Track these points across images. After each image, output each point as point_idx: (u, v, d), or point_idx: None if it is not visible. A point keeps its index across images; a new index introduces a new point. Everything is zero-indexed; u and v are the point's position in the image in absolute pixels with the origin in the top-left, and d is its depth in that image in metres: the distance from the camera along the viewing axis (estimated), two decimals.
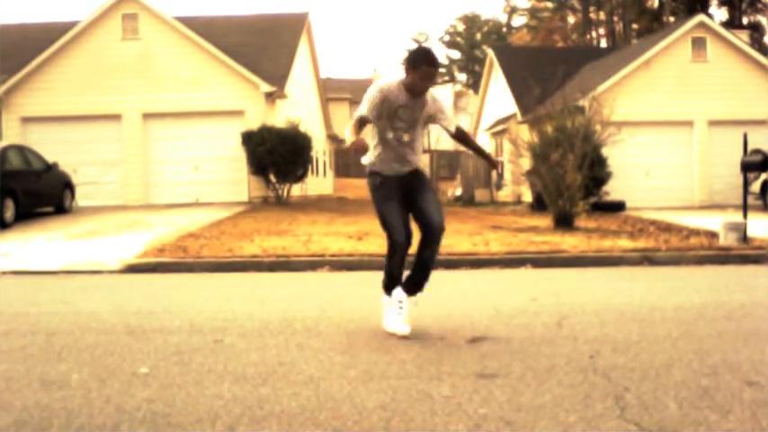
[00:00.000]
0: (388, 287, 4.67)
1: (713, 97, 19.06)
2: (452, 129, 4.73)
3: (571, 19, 54.13)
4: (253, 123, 17.86)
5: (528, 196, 19.77)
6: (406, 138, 4.58)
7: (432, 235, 4.51)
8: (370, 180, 4.69)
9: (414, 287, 4.62)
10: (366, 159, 4.67)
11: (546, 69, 19.12)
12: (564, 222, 11.99)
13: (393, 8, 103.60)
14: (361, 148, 4.28)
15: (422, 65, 4.39)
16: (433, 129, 49.91)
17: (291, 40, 22.25)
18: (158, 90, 18.38)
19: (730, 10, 41.49)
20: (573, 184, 11.97)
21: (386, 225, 4.57)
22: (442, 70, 60.79)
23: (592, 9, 48.88)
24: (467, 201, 24.60)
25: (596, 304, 5.66)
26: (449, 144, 48.97)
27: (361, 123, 4.45)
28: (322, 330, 4.73)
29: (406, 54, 4.59)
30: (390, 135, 4.56)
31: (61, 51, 18.56)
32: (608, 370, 3.67)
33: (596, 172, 14.72)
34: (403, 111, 4.51)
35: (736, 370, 3.65)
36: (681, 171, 19.10)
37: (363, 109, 4.50)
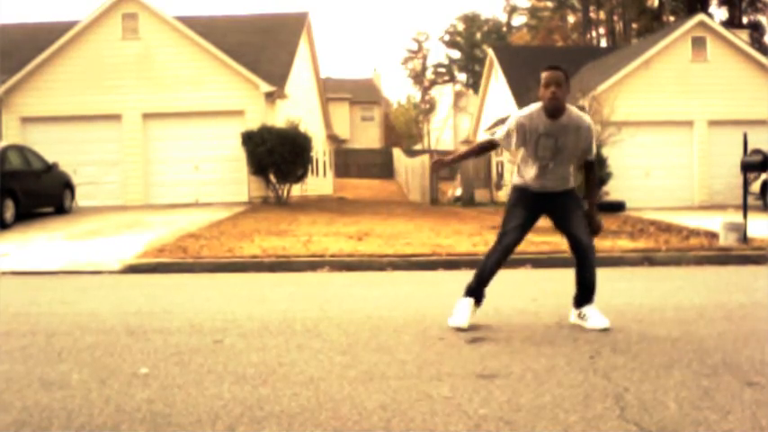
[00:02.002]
0: (472, 290, 4.74)
1: (713, 97, 19.06)
2: (587, 159, 4.68)
3: (571, 18, 54.14)
4: (253, 123, 17.86)
5: None
6: (550, 166, 4.59)
7: (581, 256, 4.63)
8: (511, 192, 4.76)
9: (583, 302, 4.74)
10: (515, 179, 4.78)
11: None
12: None
13: (393, 8, 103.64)
14: (438, 168, 4.60)
15: (543, 73, 4.41)
16: (433, 130, 49.39)
17: (291, 40, 22.25)
18: (158, 90, 18.38)
19: (730, 9, 41.46)
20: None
21: (502, 224, 4.68)
22: (441, 70, 60.82)
23: (592, 8, 48.89)
24: (467, 201, 24.58)
25: (596, 304, 5.65)
26: (449, 144, 49.04)
27: (488, 145, 4.67)
28: (322, 331, 4.73)
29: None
30: (535, 161, 4.59)
31: (61, 51, 18.56)
32: (608, 370, 3.67)
33: (596, 172, 14.70)
34: (544, 139, 4.49)
35: (736, 370, 3.65)
36: (681, 171, 19.09)
37: (499, 134, 4.62)
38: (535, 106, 4.54)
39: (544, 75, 4.39)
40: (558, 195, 4.68)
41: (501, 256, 4.68)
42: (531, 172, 4.63)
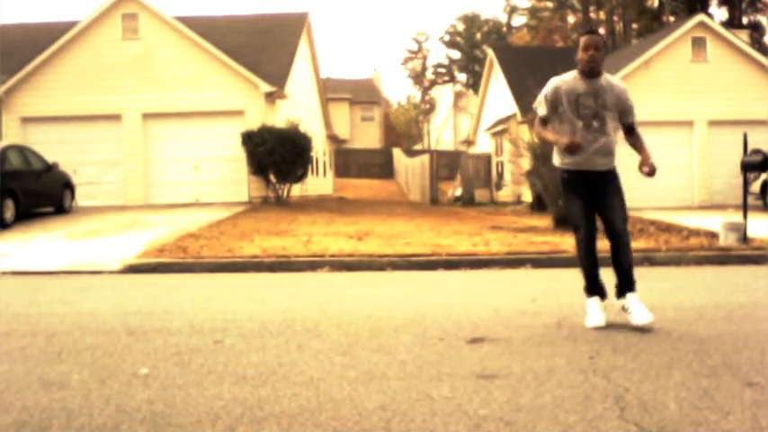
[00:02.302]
0: (589, 289, 4.82)
1: (713, 97, 19.06)
2: (628, 121, 4.74)
3: (571, 19, 54.09)
4: (253, 123, 17.86)
5: (528, 196, 19.77)
6: (595, 123, 4.63)
7: (614, 240, 4.68)
8: (561, 179, 4.84)
9: (623, 290, 4.75)
10: (556, 159, 4.81)
11: (546, 69, 19.02)
12: (564, 222, 11.97)
13: (393, 8, 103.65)
14: (577, 147, 4.47)
15: (580, 37, 4.55)
16: (433, 130, 49.34)
17: (291, 40, 22.25)
18: (158, 90, 18.38)
19: (730, 10, 41.44)
20: None
21: (569, 215, 4.77)
22: (441, 70, 60.80)
23: (592, 9, 48.86)
24: (467, 201, 24.60)
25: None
26: (449, 144, 49.04)
27: (545, 124, 4.66)
28: (322, 331, 4.73)
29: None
30: (579, 124, 4.62)
31: (61, 51, 18.55)
32: (608, 370, 3.67)
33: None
34: (584, 98, 4.58)
35: (736, 370, 3.65)
36: (681, 171, 19.08)
37: (542, 110, 4.66)
38: (570, 73, 4.65)
39: (583, 39, 4.55)
40: (603, 175, 4.73)
41: (586, 248, 4.73)
42: (574, 133, 4.61)
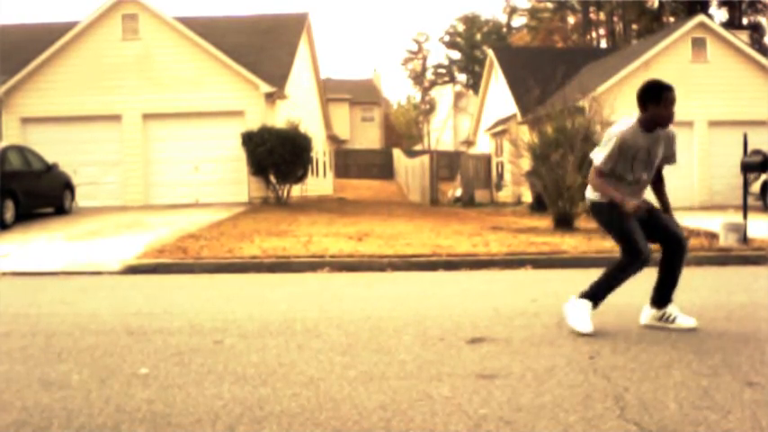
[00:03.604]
0: (597, 301, 4.70)
1: (713, 98, 19.06)
2: (668, 164, 4.73)
3: (571, 19, 54.12)
4: (253, 124, 17.86)
5: (528, 197, 19.77)
6: (644, 177, 4.65)
7: (680, 250, 4.65)
8: (605, 209, 4.63)
9: (667, 300, 4.73)
10: (596, 196, 4.70)
11: (546, 70, 19.13)
12: (564, 223, 12.00)
13: (393, 8, 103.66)
14: (639, 209, 4.45)
15: (661, 92, 4.44)
16: (433, 130, 49.24)
17: (291, 41, 22.26)
18: (158, 90, 18.38)
19: (730, 10, 41.47)
20: (573, 184, 11.97)
21: (629, 239, 4.56)
22: (441, 71, 60.83)
23: (592, 9, 48.89)
24: (467, 201, 24.60)
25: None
26: (449, 145, 49.04)
27: (602, 175, 4.56)
28: (322, 331, 4.73)
29: (639, 92, 4.62)
30: (630, 177, 4.60)
31: (61, 51, 18.56)
32: (608, 370, 3.67)
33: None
34: (642, 152, 4.55)
35: (736, 370, 3.65)
36: (681, 171, 18.97)
37: (605, 164, 4.53)
38: (630, 123, 4.54)
39: (667, 95, 4.45)
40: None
41: (637, 270, 4.62)
42: (623, 188, 4.59)
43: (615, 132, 4.53)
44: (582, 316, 4.62)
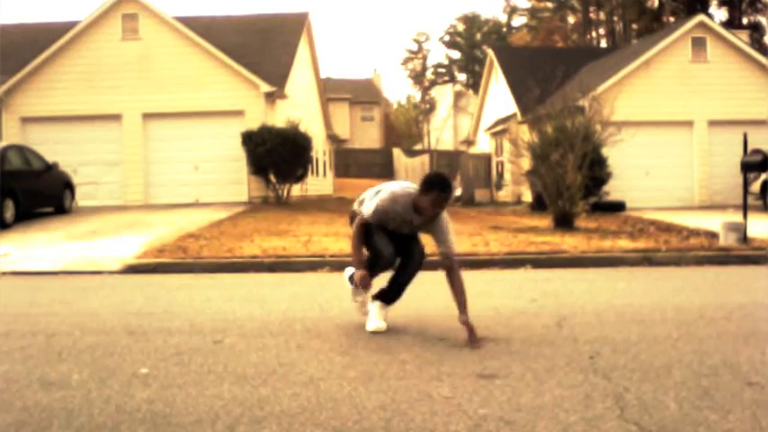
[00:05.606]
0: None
1: (713, 97, 19.06)
2: (442, 249, 4.58)
3: (571, 19, 54.07)
4: (253, 123, 17.86)
5: (528, 196, 19.77)
6: (405, 232, 4.76)
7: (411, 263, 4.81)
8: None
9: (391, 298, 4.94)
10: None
11: (546, 69, 19.09)
12: (564, 223, 11.99)
13: (393, 8, 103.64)
14: (368, 285, 4.62)
15: (434, 189, 4.37)
16: (433, 130, 49.21)
17: (291, 40, 22.25)
18: (158, 90, 18.38)
19: (730, 10, 41.43)
20: (573, 184, 11.98)
21: (373, 247, 4.70)
22: (441, 70, 60.79)
23: (592, 9, 48.85)
24: (467, 201, 24.58)
25: (596, 305, 5.66)
26: (449, 144, 49.04)
27: (366, 226, 4.62)
28: (322, 331, 4.73)
29: (425, 176, 4.59)
30: (390, 228, 4.70)
31: (61, 51, 18.56)
32: (608, 370, 3.67)
33: (596, 172, 14.71)
34: (407, 226, 4.65)
35: (736, 370, 3.65)
36: (681, 171, 19.09)
37: (372, 216, 4.56)
38: (408, 196, 4.50)
39: (438, 194, 4.35)
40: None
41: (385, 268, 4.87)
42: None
43: (394, 196, 4.53)
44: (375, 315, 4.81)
